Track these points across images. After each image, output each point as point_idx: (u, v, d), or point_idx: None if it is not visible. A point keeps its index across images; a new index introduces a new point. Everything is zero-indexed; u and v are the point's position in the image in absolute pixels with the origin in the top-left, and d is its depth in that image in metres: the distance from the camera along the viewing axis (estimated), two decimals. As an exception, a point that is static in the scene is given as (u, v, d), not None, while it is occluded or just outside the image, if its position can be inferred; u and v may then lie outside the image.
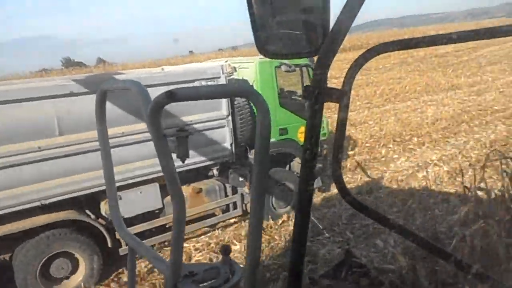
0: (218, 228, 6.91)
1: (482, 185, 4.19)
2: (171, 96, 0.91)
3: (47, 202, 5.09)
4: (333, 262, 4.99)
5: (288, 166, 7.55)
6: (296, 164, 7.47)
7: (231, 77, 6.38)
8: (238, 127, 6.48)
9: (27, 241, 5.10)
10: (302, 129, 6.51)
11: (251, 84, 6.68)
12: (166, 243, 6.16)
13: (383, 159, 9.75)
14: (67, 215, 5.35)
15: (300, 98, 7.54)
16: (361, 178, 8.53)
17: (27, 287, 5.05)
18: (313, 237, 6.10)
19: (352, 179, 8.58)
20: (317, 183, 7.57)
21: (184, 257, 1.44)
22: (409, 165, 9.15)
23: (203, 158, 6.25)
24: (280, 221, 6.90)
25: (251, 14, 1.11)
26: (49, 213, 5.22)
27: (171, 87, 0.96)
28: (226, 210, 6.83)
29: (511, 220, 3.40)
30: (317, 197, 7.78)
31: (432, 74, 20.88)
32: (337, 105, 0.97)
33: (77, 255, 5.42)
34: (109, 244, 5.58)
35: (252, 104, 0.91)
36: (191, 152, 5.81)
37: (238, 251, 5.92)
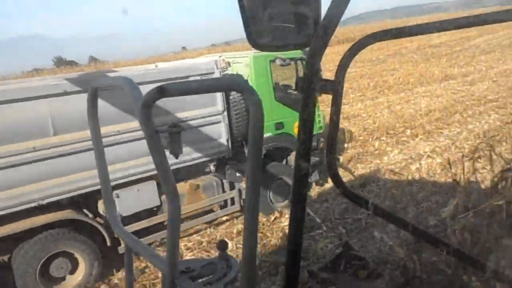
0: (210, 227, 6.86)
1: (472, 178, 4.18)
2: (162, 92, 0.90)
3: (44, 202, 5.08)
4: (326, 258, 5.00)
5: (285, 160, 7.54)
6: (293, 158, 7.46)
7: (225, 72, 6.36)
8: (233, 122, 6.46)
9: (26, 241, 5.09)
10: (298, 123, 6.48)
11: (245, 78, 6.65)
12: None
13: (376, 152, 9.71)
14: (65, 215, 5.34)
15: (295, 92, 7.51)
16: (354, 171, 8.52)
17: (27, 287, 5.05)
18: (305, 233, 6.08)
19: (345, 173, 8.57)
20: (314, 176, 7.57)
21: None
22: (402, 157, 9.13)
23: (199, 154, 6.24)
24: (273, 218, 6.85)
25: (242, 7, 1.10)
26: (47, 213, 5.21)
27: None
28: (224, 206, 6.84)
29: (500, 212, 3.39)
30: (311, 192, 7.76)
31: (426, 65, 20.88)
32: (331, 99, 0.96)
33: (76, 255, 5.41)
34: (108, 243, 5.58)
35: (246, 99, 0.89)
36: (187, 149, 5.85)
37: (230, 249, 5.91)
